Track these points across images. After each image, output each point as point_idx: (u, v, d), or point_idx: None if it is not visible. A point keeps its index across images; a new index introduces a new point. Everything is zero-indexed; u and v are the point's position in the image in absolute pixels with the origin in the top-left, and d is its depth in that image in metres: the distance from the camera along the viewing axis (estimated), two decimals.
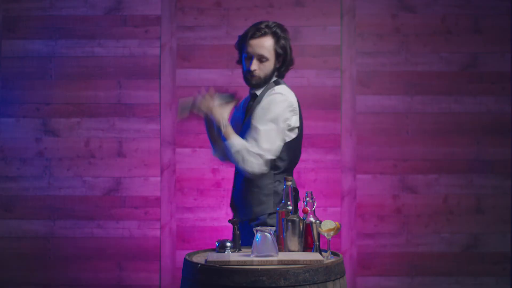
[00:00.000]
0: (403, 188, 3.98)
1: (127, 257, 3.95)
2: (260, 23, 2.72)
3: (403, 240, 3.97)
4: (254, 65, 2.69)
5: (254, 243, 2.25)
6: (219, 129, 2.65)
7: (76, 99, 3.99)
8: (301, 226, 2.36)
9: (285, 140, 2.65)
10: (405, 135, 4.00)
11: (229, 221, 2.47)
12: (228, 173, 3.87)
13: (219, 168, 3.96)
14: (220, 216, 3.94)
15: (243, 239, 2.53)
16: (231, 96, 2.71)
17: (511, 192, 3.98)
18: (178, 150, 3.97)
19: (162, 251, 3.95)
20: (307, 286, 2.09)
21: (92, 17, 4.00)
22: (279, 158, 2.65)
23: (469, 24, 4.02)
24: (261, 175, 2.63)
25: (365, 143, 3.98)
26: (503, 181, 3.98)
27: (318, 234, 2.32)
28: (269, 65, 2.71)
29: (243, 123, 2.79)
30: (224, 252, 2.36)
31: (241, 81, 2.85)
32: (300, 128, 2.72)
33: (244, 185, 2.69)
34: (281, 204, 2.43)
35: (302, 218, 2.37)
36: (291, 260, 2.19)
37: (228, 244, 2.37)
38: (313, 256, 2.26)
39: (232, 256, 2.27)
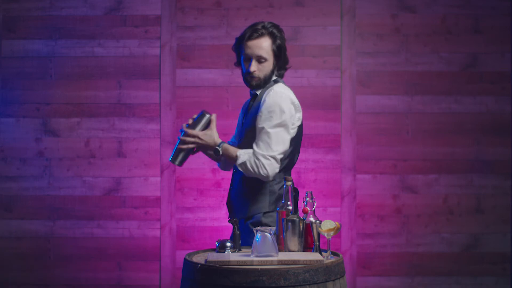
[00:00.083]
0: (403, 188, 3.98)
1: (127, 257, 3.95)
2: (256, 24, 2.72)
3: (403, 240, 3.97)
4: (254, 67, 2.69)
5: (254, 243, 2.25)
6: (216, 150, 2.66)
7: (76, 99, 3.99)
8: (301, 226, 2.36)
9: (292, 137, 2.66)
10: (405, 135, 4.00)
11: (229, 221, 2.47)
12: (228, 173, 3.86)
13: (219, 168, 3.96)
14: (220, 216, 3.95)
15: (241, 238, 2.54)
16: (204, 112, 2.70)
17: (511, 192, 3.98)
18: None
19: (162, 251, 3.95)
20: (307, 286, 2.09)
21: (92, 17, 4.00)
22: None
23: (469, 24, 4.02)
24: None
25: (365, 143, 3.98)
26: (503, 181, 3.98)
27: (318, 234, 2.32)
28: (268, 66, 2.71)
29: (242, 122, 2.80)
30: (224, 252, 2.36)
31: (241, 81, 2.85)
32: (300, 126, 2.73)
33: (241, 184, 2.70)
34: (281, 204, 2.44)
35: (302, 218, 2.37)
36: (291, 260, 2.20)
37: (228, 244, 2.38)
38: (313, 256, 2.26)
39: (232, 256, 2.27)
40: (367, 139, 3.99)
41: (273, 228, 2.28)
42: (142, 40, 4.00)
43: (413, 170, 3.98)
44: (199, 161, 3.96)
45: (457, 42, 4.01)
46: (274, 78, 2.76)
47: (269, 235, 2.24)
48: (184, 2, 4.01)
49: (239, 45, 2.75)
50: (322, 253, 2.36)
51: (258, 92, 2.75)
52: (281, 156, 2.63)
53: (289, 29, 3.90)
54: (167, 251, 3.95)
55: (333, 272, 2.17)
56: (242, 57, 2.74)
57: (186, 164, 3.97)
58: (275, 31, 2.71)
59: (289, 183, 2.43)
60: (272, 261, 2.19)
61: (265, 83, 2.73)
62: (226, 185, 3.91)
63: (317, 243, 2.33)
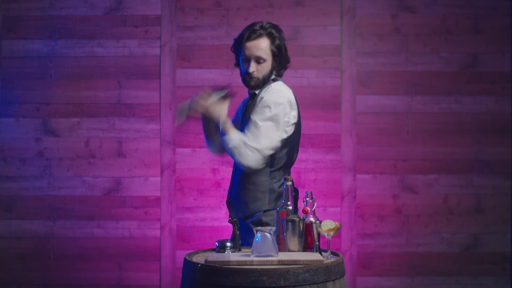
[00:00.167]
0: (403, 188, 3.98)
1: (127, 257, 3.95)
2: (254, 24, 2.73)
3: (403, 240, 3.97)
4: (252, 67, 2.70)
5: (254, 243, 2.25)
6: (217, 125, 2.65)
7: (76, 99, 3.99)
8: (301, 226, 2.36)
9: (283, 135, 2.65)
10: (405, 135, 4.00)
11: (229, 221, 2.47)
12: (228, 173, 3.87)
13: (219, 168, 3.96)
14: (220, 216, 3.95)
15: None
16: (226, 90, 2.71)
17: (511, 192, 3.98)
18: (178, 150, 3.97)
19: (162, 251, 3.95)
20: (307, 286, 2.09)
21: (92, 17, 4.00)
22: (275, 154, 2.65)
23: (469, 24, 4.02)
24: (258, 171, 2.63)
25: (365, 143, 3.98)
26: (503, 181, 3.98)
27: (318, 234, 2.32)
28: (267, 66, 2.71)
29: (242, 121, 2.80)
30: (224, 252, 2.36)
31: (241, 81, 2.85)
32: (298, 124, 2.73)
33: (241, 182, 2.70)
34: (281, 204, 2.44)
35: (302, 218, 2.37)
36: (291, 260, 2.20)
37: (228, 244, 2.38)
38: (313, 256, 2.26)
39: (232, 256, 2.27)
40: (367, 139, 3.99)
41: (273, 228, 2.28)
42: (142, 40, 4.00)
43: (413, 170, 3.98)
44: (199, 161, 3.96)
45: (457, 42, 4.01)
46: (272, 77, 2.77)
47: (269, 235, 2.24)
48: (184, 2, 4.01)
49: (238, 46, 2.75)
50: (322, 253, 2.36)
51: (257, 92, 2.75)
52: (269, 152, 2.61)
53: (289, 29, 3.90)
54: (167, 251, 3.95)
55: (333, 272, 2.17)
56: (240, 58, 2.74)
57: (186, 164, 3.99)
58: (273, 31, 2.72)
59: (289, 183, 2.43)
60: (272, 261, 2.19)
61: (264, 83, 2.73)
62: (226, 185, 3.91)
63: (317, 243, 2.33)
